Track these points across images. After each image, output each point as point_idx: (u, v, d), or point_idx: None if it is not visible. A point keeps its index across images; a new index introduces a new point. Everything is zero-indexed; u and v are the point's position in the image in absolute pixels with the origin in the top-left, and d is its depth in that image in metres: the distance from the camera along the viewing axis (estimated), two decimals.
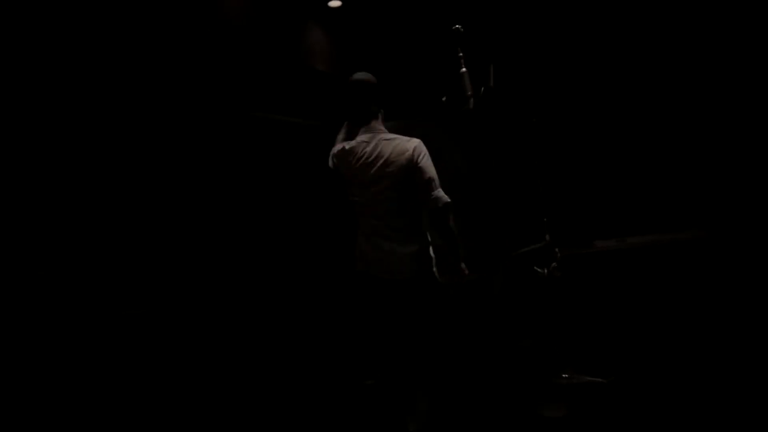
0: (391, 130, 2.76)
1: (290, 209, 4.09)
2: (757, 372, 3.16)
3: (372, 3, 4.53)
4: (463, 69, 2.91)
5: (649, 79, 4.19)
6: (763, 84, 3.79)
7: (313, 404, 3.51)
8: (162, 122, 3.36)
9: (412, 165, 2.58)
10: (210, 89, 3.64)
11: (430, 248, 2.72)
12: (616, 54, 4.28)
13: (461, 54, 2.93)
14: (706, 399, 3.02)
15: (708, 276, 3.59)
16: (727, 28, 3.92)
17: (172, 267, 3.27)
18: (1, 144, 2.73)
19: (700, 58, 4.02)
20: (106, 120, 3.12)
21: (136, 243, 3.15)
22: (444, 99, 2.94)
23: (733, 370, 3.24)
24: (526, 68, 4.39)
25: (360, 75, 2.76)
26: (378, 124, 2.73)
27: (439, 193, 2.57)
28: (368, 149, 2.65)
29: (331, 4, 4.48)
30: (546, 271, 3.40)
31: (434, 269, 2.70)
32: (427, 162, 2.60)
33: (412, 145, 2.62)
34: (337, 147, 2.78)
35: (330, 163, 2.82)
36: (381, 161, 2.62)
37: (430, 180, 2.57)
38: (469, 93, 2.89)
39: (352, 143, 2.71)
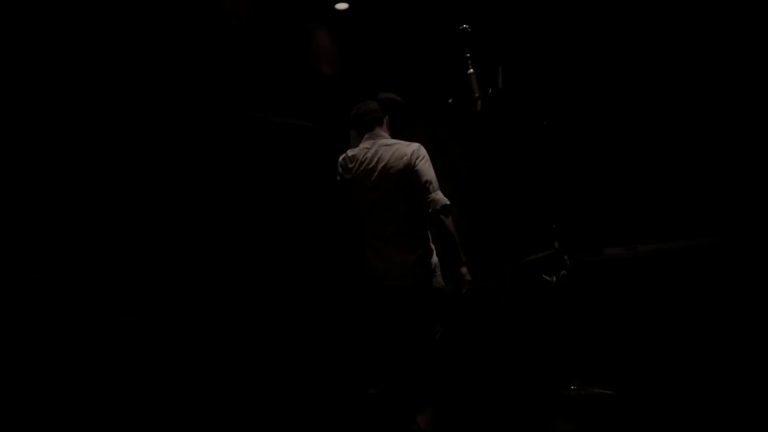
0: (395, 135, 2.77)
1: (296, 214, 4.06)
2: None
3: (379, 5, 4.49)
4: (471, 70, 2.86)
5: (662, 81, 4.12)
6: None
7: (315, 413, 3.47)
8: (166, 124, 3.34)
9: (409, 169, 2.58)
10: (216, 91, 3.63)
11: (434, 254, 2.69)
12: (629, 57, 4.21)
13: (469, 54, 2.88)
14: (721, 413, 2.92)
15: (726, 286, 3.50)
16: (744, 33, 3.84)
17: (171, 271, 3.24)
18: (2, 144, 2.71)
19: (719, 59, 3.94)
20: (112, 121, 3.10)
21: (134, 246, 3.12)
22: (450, 101, 2.92)
23: (751, 385, 3.14)
24: (535, 69, 4.34)
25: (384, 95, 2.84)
26: (381, 130, 2.77)
27: (437, 195, 2.55)
28: (369, 155, 2.68)
29: (339, 6, 4.47)
30: (555, 279, 3.35)
31: (438, 276, 2.66)
32: (424, 165, 2.59)
33: (411, 149, 2.63)
34: (343, 156, 2.82)
35: (337, 175, 2.83)
36: (381, 167, 2.64)
37: (427, 183, 2.56)
38: (477, 95, 2.84)
39: (355, 150, 2.76)
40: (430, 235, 2.69)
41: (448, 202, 2.56)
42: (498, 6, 4.34)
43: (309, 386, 3.66)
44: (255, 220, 3.78)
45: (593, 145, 4.33)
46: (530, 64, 4.30)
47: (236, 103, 3.78)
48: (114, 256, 3.02)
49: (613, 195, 4.23)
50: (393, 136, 2.79)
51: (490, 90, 2.95)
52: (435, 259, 2.68)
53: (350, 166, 2.72)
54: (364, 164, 2.67)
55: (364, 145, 2.73)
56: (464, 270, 2.59)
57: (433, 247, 2.69)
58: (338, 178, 2.81)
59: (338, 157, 2.82)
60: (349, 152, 2.77)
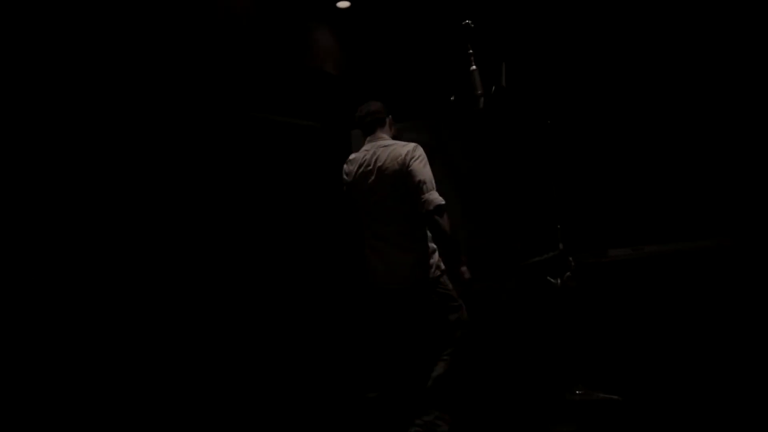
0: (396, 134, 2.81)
1: (299, 214, 4.05)
2: None
3: (381, 2, 4.48)
4: (473, 67, 2.83)
5: (668, 81, 4.08)
6: None
7: (315, 417, 3.45)
8: (169, 124, 3.34)
9: (404, 169, 2.59)
10: (217, 91, 3.64)
11: (436, 255, 2.68)
12: (635, 55, 4.18)
13: (471, 51, 2.84)
14: (729, 418, 2.86)
15: (734, 287, 3.47)
16: (752, 34, 3.80)
17: (171, 271, 3.22)
18: (1, 144, 2.70)
19: (725, 60, 3.92)
20: (113, 121, 3.09)
21: (134, 246, 3.10)
22: (453, 98, 2.90)
23: (759, 388, 3.08)
24: (540, 67, 4.30)
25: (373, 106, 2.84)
26: (383, 132, 2.80)
27: (431, 195, 2.54)
28: (368, 157, 2.72)
29: (340, 4, 4.48)
30: (560, 281, 3.32)
31: (442, 278, 2.66)
32: (418, 165, 2.58)
33: (406, 149, 2.63)
34: (346, 161, 2.87)
35: (343, 185, 2.85)
36: (378, 168, 2.66)
37: (421, 183, 2.55)
38: (480, 92, 2.81)
39: (357, 153, 2.81)
40: (430, 234, 2.67)
41: (443, 202, 2.53)
42: (502, 1, 4.31)
43: (309, 390, 3.65)
44: (257, 221, 3.78)
45: (598, 144, 4.30)
46: (534, 61, 4.26)
47: (238, 102, 3.79)
48: (114, 256, 3.00)
49: (619, 195, 4.20)
50: (395, 137, 2.80)
51: (494, 87, 2.90)
52: (437, 258, 2.66)
53: (351, 169, 2.78)
54: (363, 166, 2.71)
55: (365, 147, 2.78)
56: (464, 269, 2.59)
57: (434, 246, 2.67)
58: (344, 188, 2.83)
59: (340, 157, 2.87)
60: (351, 156, 2.84)
